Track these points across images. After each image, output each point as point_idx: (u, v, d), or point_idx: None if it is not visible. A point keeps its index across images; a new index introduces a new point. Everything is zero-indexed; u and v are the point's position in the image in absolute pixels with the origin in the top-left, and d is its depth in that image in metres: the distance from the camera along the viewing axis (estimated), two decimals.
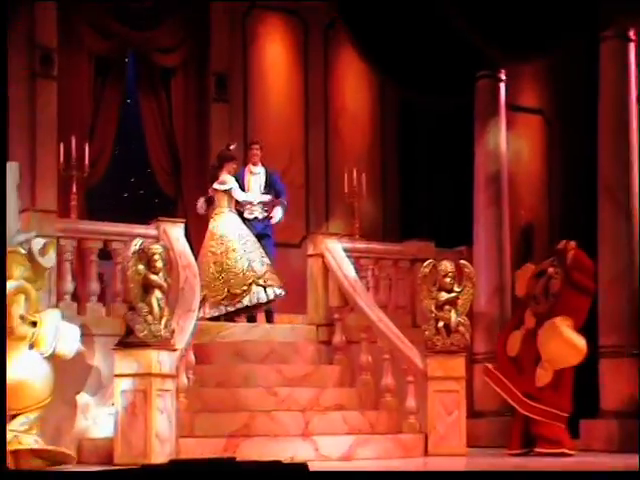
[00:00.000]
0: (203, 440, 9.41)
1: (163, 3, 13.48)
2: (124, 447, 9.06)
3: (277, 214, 11.92)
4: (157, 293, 9.25)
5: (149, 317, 9.15)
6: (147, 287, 9.24)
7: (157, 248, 9.35)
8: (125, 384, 9.14)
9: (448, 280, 10.40)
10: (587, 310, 10.36)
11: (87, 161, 11.78)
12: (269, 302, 11.40)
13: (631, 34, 11.28)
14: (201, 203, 11.78)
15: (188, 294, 10.19)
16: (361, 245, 12.08)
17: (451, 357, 10.31)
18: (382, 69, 13.59)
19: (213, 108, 13.84)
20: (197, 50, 13.80)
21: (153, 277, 9.24)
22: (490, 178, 12.52)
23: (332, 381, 10.84)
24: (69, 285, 10.26)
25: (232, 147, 11.78)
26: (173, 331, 9.32)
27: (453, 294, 10.41)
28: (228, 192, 11.55)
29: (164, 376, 9.18)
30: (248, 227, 11.66)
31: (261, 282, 11.26)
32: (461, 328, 10.36)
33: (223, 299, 11.24)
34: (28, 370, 8.97)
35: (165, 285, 9.32)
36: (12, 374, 8.88)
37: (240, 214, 11.73)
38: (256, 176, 11.97)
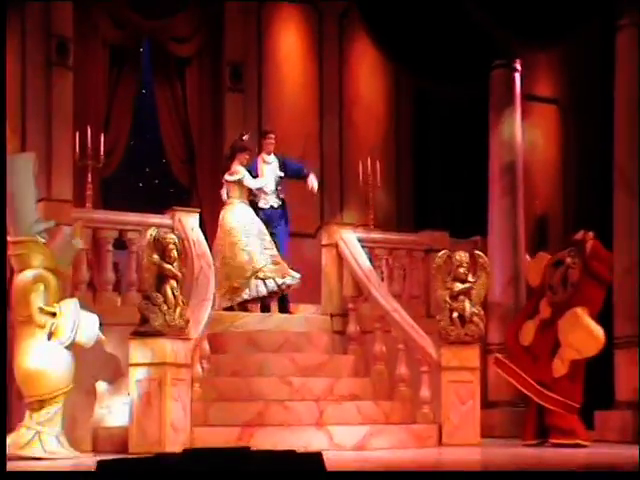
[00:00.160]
0: (217, 429, 9.44)
1: None
2: (139, 436, 9.11)
3: (313, 182, 11.87)
4: (172, 282, 9.28)
5: (164, 306, 9.18)
6: (162, 277, 9.27)
7: (172, 238, 9.37)
8: (140, 373, 9.18)
9: (462, 270, 10.38)
10: (603, 300, 10.34)
11: (102, 151, 11.80)
12: (272, 294, 11.32)
13: None
14: (224, 192, 11.76)
15: (202, 283, 10.21)
16: (375, 235, 12.07)
17: (465, 347, 10.31)
18: (397, 57, 13.58)
19: (228, 98, 13.84)
20: (212, 40, 13.80)
21: (168, 267, 9.26)
22: (505, 168, 12.50)
23: (346, 371, 10.85)
24: (85, 274, 10.30)
25: (245, 137, 11.75)
26: (188, 320, 9.35)
27: (467, 284, 10.40)
28: (239, 183, 11.53)
29: (179, 365, 9.21)
30: (263, 217, 11.65)
31: (261, 275, 11.21)
32: (475, 318, 10.35)
33: (226, 292, 11.23)
34: (47, 358, 9.00)
35: (180, 275, 9.34)
36: (32, 362, 8.94)
37: (255, 204, 11.73)
38: (270, 165, 11.95)
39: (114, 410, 9.93)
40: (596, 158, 13.36)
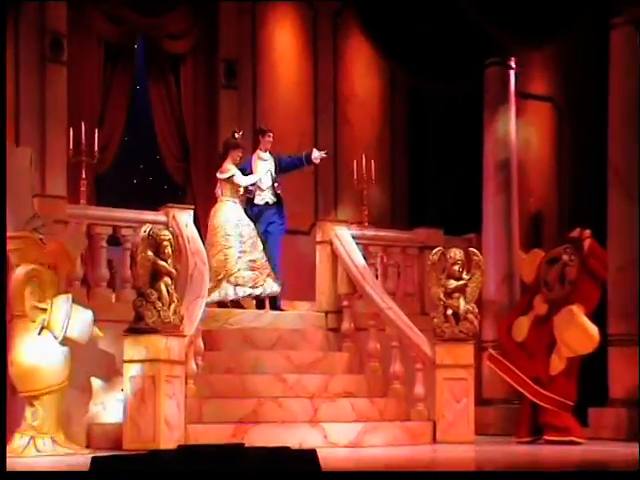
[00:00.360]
0: (211, 426, 9.44)
1: None
2: (133, 432, 9.10)
3: (316, 153, 11.87)
4: (166, 279, 9.27)
5: (158, 303, 9.17)
6: (156, 273, 9.25)
7: (166, 234, 9.35)
8: (134, 370, 9.16)
9: (457, 268, 10.39)
10: (599, 298, 10.36)
11: (96, 147, 11.78)
12: (239, 299, 11.22)
13: None
14: (219, 189, 11.72)
15: (197, 280, 10.20)
16: (370, 232, 12.07)
17: (459, 345, 10.31)
18: (391, 55, 13.59)
19: (222, 95, 13.82)
20: (206, 37, 13.78)
21: (162, 263, 9.25)
22: (499, 166, 12.50)
23: (340, 368, 10.85)
24: (78, 271, 10.27)
25: (238, 135, 11.72)
26: (182, 317, 9.34)
27: (462, 282, 10.41)
28: (230, 180, 11.49)
29: (173, 362, 9.20)
30: (256, 212, 11.61)
31: (232, 280, 11.13)
32: (470, 316, 10.36)
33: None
34: (42, 354, 8.99)
35: (174, 271, 9.33)
36: (26, 357, 8.92)
37: (251, 200, 11.69)
38: (265, 162, 11.91)
39: (108, 407, 9.93)
40: (590, 156, 13.38)
